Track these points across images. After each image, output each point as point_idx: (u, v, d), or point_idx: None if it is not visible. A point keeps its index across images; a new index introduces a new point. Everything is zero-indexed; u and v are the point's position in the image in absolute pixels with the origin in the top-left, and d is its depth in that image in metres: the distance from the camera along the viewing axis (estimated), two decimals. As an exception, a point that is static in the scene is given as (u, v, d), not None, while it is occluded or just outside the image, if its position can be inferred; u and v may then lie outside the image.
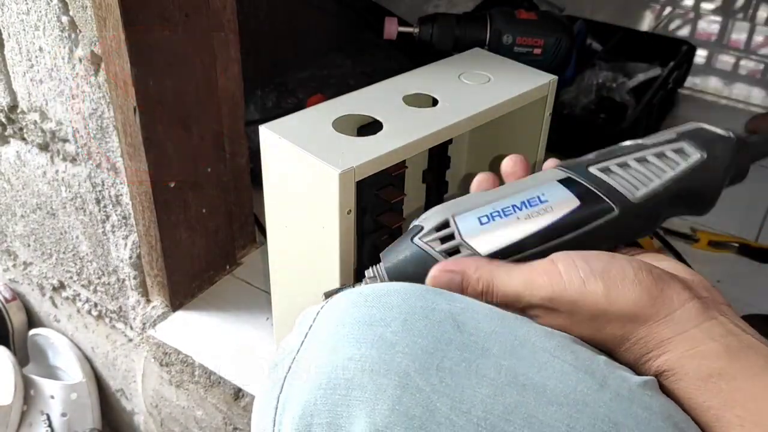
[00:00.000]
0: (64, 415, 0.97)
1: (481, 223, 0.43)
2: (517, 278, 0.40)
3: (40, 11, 0.70)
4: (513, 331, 0.37)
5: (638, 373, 0.39)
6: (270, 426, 0.37)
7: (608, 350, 0.40)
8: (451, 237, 0.43)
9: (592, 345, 0.40)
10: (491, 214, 0.43)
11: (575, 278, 0.39)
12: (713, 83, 1.45)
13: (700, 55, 1.57)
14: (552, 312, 0.40)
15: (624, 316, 0.38)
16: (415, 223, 0.45)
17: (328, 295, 0.47)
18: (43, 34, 0.72)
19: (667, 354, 0.38)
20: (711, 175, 0.43)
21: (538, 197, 0.43)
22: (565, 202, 0.42)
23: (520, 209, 0.42)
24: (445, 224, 0.43)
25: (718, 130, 0.45)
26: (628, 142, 0.45)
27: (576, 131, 1.09)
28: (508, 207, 0.43)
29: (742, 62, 1.59)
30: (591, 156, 0.45)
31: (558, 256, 0.40)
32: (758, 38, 1.72)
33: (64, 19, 0.69)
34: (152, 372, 0.85)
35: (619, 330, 0.39)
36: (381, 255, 0.46)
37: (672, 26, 1.77)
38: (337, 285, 0.53)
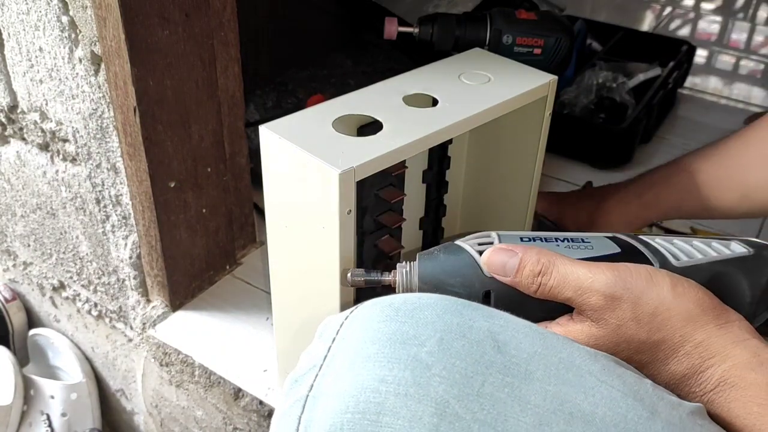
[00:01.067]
0: (64, 415, 0.97)
1: (522, 241, 0.44)
2: (581, 266, 0.40)
3: (40, 11, 0.70)
4: (556, 352, 0.35)
5: (692, 384, 0.38)
6: None
7: (661, 357, 0.39)
8: (489, 244, 0.44)
9: (646, 348, 0.39)
10: (533, 237, 0.45)
11: (642, 271, 0.39)
12: (713, 83, 1.45)
13: (700, 55, 1.57)
14: (611, 304, 0.38)
15: (687, 313, 0.38)
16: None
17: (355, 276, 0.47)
18: (43, 34, 0.72)
19: (730, 360, 0.37)
20: (755, 273, 0.43)
21: (582, 239, 0.44)
22: (606, 248, 0.44)
23: (562, 241, 0.44)
24: (486, 236, 0.45)
25: None
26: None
27: (576, 131, 1.09)
28: (551, 237, 0.45)
29: (742, 62, 1.59)
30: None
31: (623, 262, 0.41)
32: (758, 38, 1.72)
33: (64, 19, 0.69)
34: (152, 372, 0.85)
35: (679, 330, 0.38)
36: (417, 255, 0.46)
37: (672, 26, 1.77)
38: (337, 286, 0.53)
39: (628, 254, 0.43)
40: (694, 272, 0.42)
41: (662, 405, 0.34)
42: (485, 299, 0.43)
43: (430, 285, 0.45)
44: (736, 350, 0.37)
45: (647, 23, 1.79)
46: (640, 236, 0.45)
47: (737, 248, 0.44)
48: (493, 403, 0.32)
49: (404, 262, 0.46)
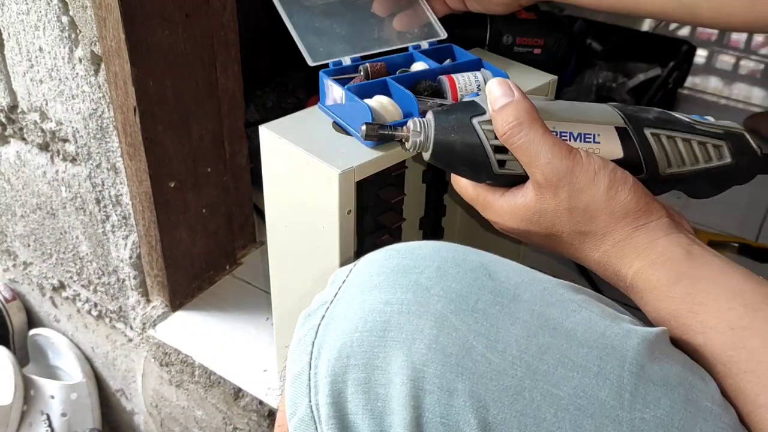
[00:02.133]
0: (64, 415, 0.97)
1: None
2: (548, 143, 0.43)
3: (40, 11, 0.70)
4: (542, 282, 0.39)
5: (617, 281, 0.43)
6: (306, 369, 0.38)
7: (588, 246, 0.44)
8: None
9: (576, 235, 0.44)
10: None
11: (591, 169, 0.43)
12: (713, 83, 1.45)
13: (700, 55, 1.57)
14: (554, 190, 0.43)
15: (611, 215, 0.43)
16: (476, 98, 0.47)
17: (369, 131, 0.47)
18: (43, 34, 0.72)
19: (640, 261, 0.42)
20: (727, 179, 0.48)
21: (594, 135, 0.46)
22: (611, 150, 0.46)
23: (576, 139, 0.46)
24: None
25: (755, 146, 0.49)
26: (684, 117, 0.49)
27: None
28: (566, 132, 0.46)
29: (742, 62, 1.59)
30: (650, 116, 0.48)
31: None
32: (758, 38, 1.72)
33: (64, 19, 0.69)
34: (152, 372, 0.85)
35: (603, 228, 0.43)
36: (432, 113, 0.47)
37: (672, 26, 1.77)
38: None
39: (627, 159, 0.46)
40: (675, 179, 0.47)
41: (636, 330, 0.37)
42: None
43: (439, 155, 0.46)
44: (645, 251, 0.42)
45: (647, 23, 1.79)
46: (647, 133, 0.46)
47: (726, 155, 0.47)
48: (486, 317, 0.36)
49: (415, 121, 0.47)
